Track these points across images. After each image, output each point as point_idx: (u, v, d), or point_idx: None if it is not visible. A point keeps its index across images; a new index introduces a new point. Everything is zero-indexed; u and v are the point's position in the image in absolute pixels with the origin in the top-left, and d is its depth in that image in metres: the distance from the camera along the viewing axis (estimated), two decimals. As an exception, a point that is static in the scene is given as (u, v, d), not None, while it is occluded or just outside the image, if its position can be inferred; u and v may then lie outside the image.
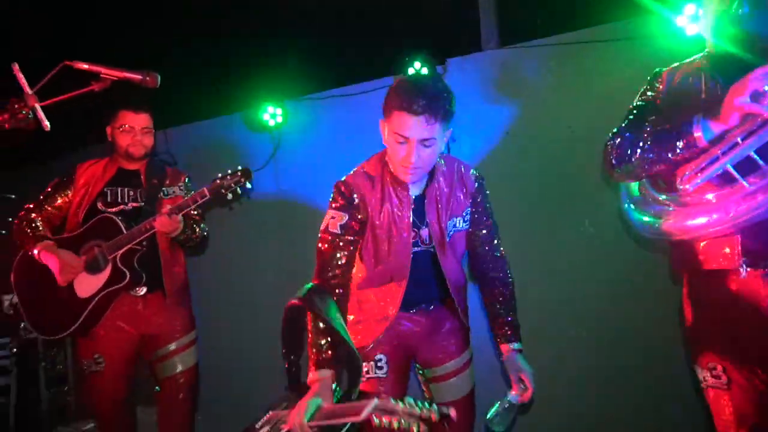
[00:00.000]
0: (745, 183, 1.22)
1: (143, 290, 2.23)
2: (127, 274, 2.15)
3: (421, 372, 1.84)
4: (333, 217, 1.62)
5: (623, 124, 1.45)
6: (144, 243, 2.20)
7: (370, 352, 1.67)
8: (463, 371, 1.79)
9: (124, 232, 2.15)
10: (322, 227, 1.64)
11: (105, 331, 2.21)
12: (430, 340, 1.77)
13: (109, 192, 2.25)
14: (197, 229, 2.31)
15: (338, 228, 1.61)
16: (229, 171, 2.13)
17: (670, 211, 1.34)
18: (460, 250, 1.78)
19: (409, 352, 1.78)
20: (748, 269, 1.27)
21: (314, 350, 1.51)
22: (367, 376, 1.65)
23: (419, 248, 1.70)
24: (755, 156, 1.21)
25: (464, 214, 1.73)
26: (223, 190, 2.11)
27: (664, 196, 1.38)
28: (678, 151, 1.28)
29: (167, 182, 2.34)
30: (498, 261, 1.78)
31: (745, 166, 1.23)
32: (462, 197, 1.71)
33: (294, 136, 3.22)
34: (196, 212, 2.31)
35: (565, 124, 2.59)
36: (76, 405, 3.50)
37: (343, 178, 1.67)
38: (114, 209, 2.22)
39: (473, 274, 1.83)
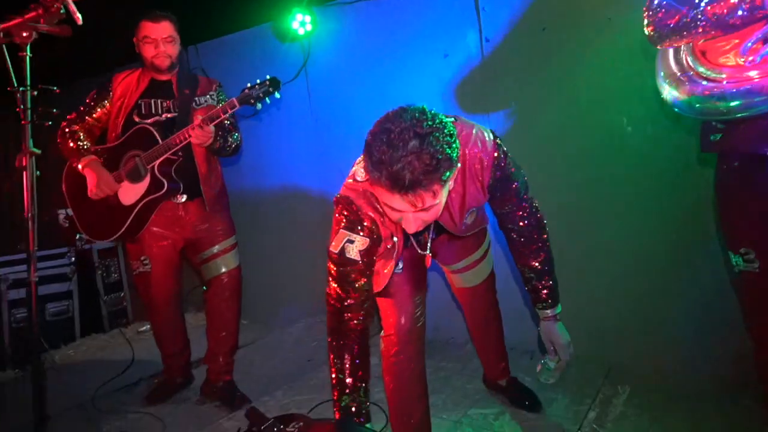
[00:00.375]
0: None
1: (183, 197, 2.32)
2: (165, 183, 2.22)
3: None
4: (346, 242, 1.43)
5: None
6: (180, 153, 2.25)
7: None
8: (480, 263, 1.97)
9: (160, 142, 2.21)
10: (329, 250, 1.46)
11: (150, 236, 2.34)
12: (446, 246, 1.89)
13: (143, 104, 2.30)
14: (230, 139, 2.34)
15: (356, 255, 1.43)
16: (258, 81, 2.13)
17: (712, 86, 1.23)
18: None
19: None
20: None
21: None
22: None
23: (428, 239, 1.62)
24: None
25: (483, 204, 1.63)
26: (252, 100, 2.11)
27: (706, 70, 1.25)
28: (738, 12, 1.11)
29: (199, 91, 2.36)
30: (530, 218, 1.61)
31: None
32: (477, 193, 1.50)
33: (324, 44, 3.15)
34: (228, 122, 2.34)
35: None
36: (131, 309, 3.79)
37: (346, 202, 1.45)
38: (149, 120, 2.27)
39: (502, 229, 1.70)
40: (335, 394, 1.44)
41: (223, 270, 2.43)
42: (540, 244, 1.63)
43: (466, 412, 2.16)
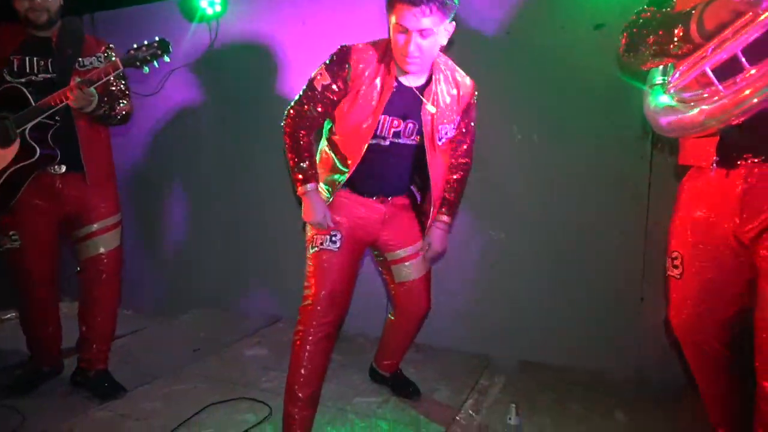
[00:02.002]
0: (719, 87, 1.19)
1: (62, 168, 2.14)
2: (37, 149, 2.04)
3: (380, 258, 2.07)
4: (320, 74, 1.75)
5: (645, 4, 1.39)
6: (58, 118, 2.07)
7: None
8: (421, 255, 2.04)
9: (32, 104, 2.02)
10: (311, 75, 1.77)
11: (23, 209, 2.13)
12: (389, 226, 1.94)
13: (15, 61, 2.08)
14: (117, 106, 2.17)
15: (320, 86, 1.74)
16: (146, 42, 1.99)
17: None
18: (446, 158, 1.95)
19: (367, 238, 1.92)
20: (716, 168, 1.34)
21: (296, 170, 1.77)
22: (321, 246, 1.80)
23: (399, 140, 1.81)
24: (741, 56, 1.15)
25: (454, 123, 1.86)
26: (137, 62, 1.97)
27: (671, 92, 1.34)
28: (676, 42, 1.24)
29: (84, 52, 2.17)
30: (463, 158, 2.00)
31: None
32: (455, 105, 1.83)
33: (234, 28, 3.07)
34: (116, 87, 2.19)
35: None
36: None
37: (349, 44, 1.74)
38: (22, 80, 2.06)
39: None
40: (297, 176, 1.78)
41: (102, 250, 2.26)
42: (462, 173, 2.00)
43: (352, 400, 2.19)
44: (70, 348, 2.38)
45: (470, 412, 2.14)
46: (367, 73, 1.72)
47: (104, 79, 1.98)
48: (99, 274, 2.25)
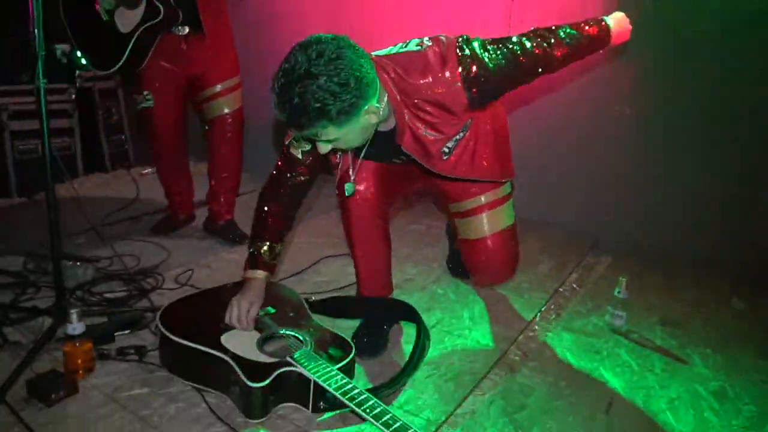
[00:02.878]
0: None
1: (185, 29, 2.22)
2: (161, 8, 2.11)
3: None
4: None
5: None
6: None
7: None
8: (499, 205, 1.76)
9: None
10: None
11: (152, 70, 2.27)
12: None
13: None
14: None
15: (299, 153, 1.52)
16: None
17: None
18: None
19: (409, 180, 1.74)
20: None
21: (252, 249, 1.56)
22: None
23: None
24: None
25: (461, 130, 1.51)
26: None
27: None
28: None
29: None
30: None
31: None
32: (451, 125, 1.46)
33: None
34: None
35: None
36: (133, 152, 3.81)
37: None
38: None
39: None
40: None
41: (226, 111, 2.40)
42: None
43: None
44: (200, 201, 2.65)
45: (574, 285, 2.15)
46: None
47: None
48: (225, 132, 2.41)
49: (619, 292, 1.78)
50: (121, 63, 2.22)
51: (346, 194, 1.57)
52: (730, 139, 2.25)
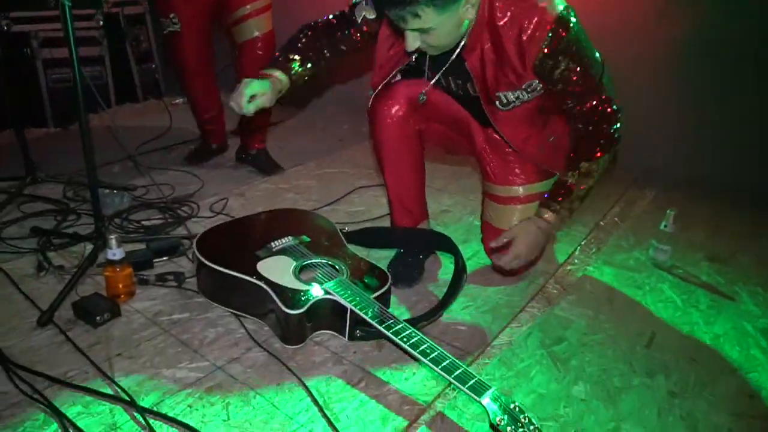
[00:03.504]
0: None
1: (211, -53, 2.11)
2: None
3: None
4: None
5: None
6: None
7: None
8: (536, 200, 1.54)
9: None
10: None
11: None
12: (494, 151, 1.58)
13: None
14: None
15: (361, 17, 1.46)
16: None
17: None
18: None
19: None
20: None
21: (279, 54, 1.49)
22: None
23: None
24: None
25: (524, 87, 1.35)
26: None
27: None
28: None
29: None
30: (599, 118, 1.35)
31: None
32: (514, 65, 1.31)
33: None
34: None
35: None
36: (163, 81, 3.77)
37: None
38: None
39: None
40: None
41: (256, 34, 2.29)
42: (595, 150, 1.37)
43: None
44: (233, 129, 2.61)
45: (616, 219, 2.07)
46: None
47: None
48: (255, 59, 2.32)
49: (665, 226, 1.70)
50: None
51: (420, 101, 1.49)
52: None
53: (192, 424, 1.05)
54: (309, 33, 1.50)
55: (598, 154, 1.38)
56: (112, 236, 1.41)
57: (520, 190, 1.57)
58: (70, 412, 1.07)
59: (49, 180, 2.20)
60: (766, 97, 2.17)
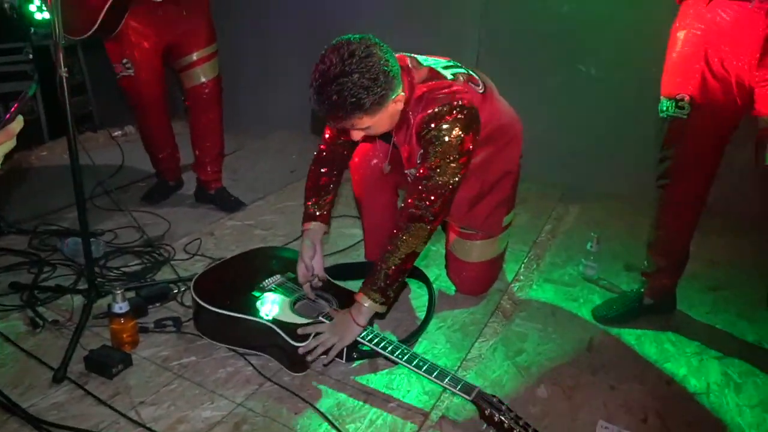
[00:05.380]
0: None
1: (161, -5, 2.20)
2: None
3: None
4: None
5: None
6: None
7: None
8: (479, 239, 1.81)
9: None
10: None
11: (129, 36, 2.25)
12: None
13: None
14: None
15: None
16: None
17: None
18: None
19: None
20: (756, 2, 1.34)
21: (309, 203, 1.72)
22: None
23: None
24: None
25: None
26: None
27: None
28: None
29: None
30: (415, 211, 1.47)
31: None
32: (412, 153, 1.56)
33: None
34: None
35: None
36: (98, 115, 3.71)
37: None
38: None
39: None
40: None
41: (203, 80, 2.42)
42: (398, 241, 1.47)
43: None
44: (188, 163, 2.69)
45: (548, 235, 2.41)
46: None
47: None
48: (202, 104, 2.45)
49: (591, 247, 2.04)
50: (96, 27, 2.18)
51: (385, 171, 1.74)
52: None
53: (231, 457, 1.21)
54: (312, 169, 1.74)
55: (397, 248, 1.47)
56: (117, 291, 1.50)
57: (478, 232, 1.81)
58: (116, 460, 1.19)
59: (11, 231, 2.18)
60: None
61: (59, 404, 1.35)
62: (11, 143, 0.94)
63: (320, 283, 1.71)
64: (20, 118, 0.99)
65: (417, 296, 1.91)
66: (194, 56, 2.38)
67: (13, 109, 0.93)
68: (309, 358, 1.44)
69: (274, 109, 3.63)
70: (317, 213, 1.71)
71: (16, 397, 1.35)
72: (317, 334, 1.47)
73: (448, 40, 2.93)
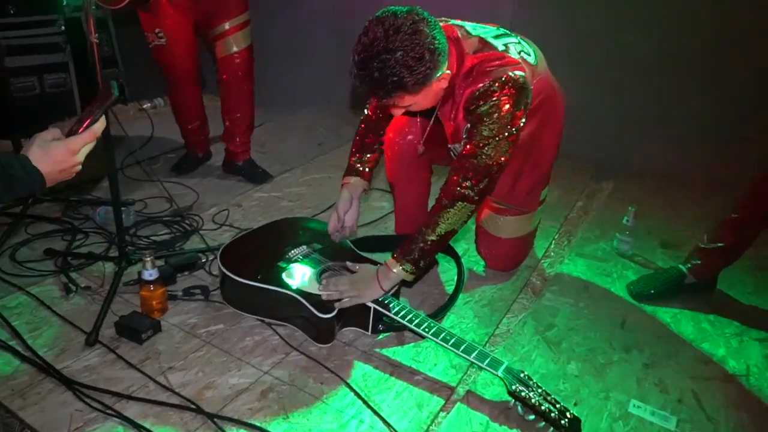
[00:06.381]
0: None
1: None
2: None
3: None
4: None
5: None
6: None
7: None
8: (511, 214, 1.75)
9: None
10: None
11: (161, 7, 2.25)
12: None
13: None
14: None
15: None
16: None
17: None
18: None
19: None
20: None
21: (353, 159, 1.72)
22: None
23: None
24: None
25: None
26: None
27: None
28: None
29: None
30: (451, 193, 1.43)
31: None
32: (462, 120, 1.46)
33: None
34: None
35: None
36: (128, 86, 3.73)
37: None
38: None
39: None
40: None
41: (234, 50, 2.40)
42: (439, 218, 1.42)
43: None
44: (217, 135, 2.70)
45: (581, 212, 2.34)
46: None
47: None
48: (233, 74, 2.43)
49: (627, 221, 1.97)
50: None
51: (419, 153, 1.71)
52: (728, 69, 2.39)
53: (258, 424, 1.21)
54: (362, 127, 1.74)
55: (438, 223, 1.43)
56: (147, 258, 1.52)
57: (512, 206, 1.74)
58: (145, 423, 1.20)
59: (46, 199, 2.23)
60: (708, 97, 2.49)
61: (91, 367, 1.37)
62: (93, 143, 1.00)
63: (348, 235, 1.73)
64: (103, 119, 1.00)
65: (445, 269, 1.88)
66: (226, 25, 2.36)
67: (89, 115, 0.95)
68: (323, 296, 1.45)
69: (303, 84, 3.61)
70: (360, 168, 1.72)
71: (51, 359, 1.38)
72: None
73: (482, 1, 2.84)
